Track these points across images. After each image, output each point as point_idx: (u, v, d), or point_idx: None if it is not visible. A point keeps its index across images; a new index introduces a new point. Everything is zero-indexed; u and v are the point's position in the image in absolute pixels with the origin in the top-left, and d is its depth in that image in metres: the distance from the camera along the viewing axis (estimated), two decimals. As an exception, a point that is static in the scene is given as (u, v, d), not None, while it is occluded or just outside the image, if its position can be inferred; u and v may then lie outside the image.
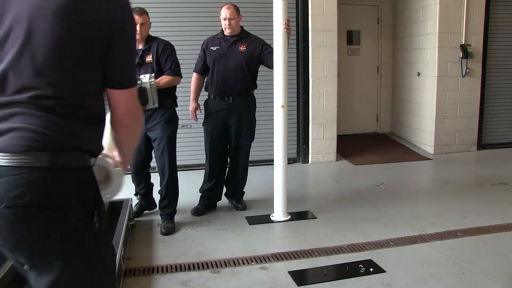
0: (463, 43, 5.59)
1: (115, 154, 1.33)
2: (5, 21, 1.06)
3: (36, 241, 1.07)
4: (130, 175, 3.42)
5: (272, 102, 3.42)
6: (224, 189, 3.76)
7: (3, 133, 1.04)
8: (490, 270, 2.56)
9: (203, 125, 3.61)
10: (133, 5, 1.24)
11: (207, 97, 3.58)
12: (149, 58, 3.11)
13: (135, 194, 3.51)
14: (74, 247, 1.10)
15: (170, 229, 3.20)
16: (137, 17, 2.95)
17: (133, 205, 3.45)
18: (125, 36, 1.16)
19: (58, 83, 1.07)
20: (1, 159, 1.02)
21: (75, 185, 1.10)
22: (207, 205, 3.64)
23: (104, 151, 1.28)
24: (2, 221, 1.04)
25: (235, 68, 3.42)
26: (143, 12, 3.06)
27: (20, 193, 1.02)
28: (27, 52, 1.05)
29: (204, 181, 3.66)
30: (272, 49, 3.36)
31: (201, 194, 3.67)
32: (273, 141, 3.46)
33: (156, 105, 2.98)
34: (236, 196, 3.73)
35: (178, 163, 4.97)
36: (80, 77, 1.11)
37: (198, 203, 3.65)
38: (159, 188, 3.33)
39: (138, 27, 2.97)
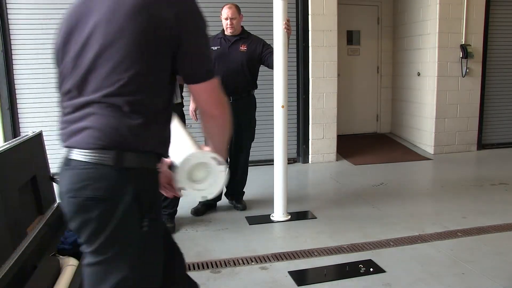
0: (463, 43, 5.59)
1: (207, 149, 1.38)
2: (85, 28, 1.18)
3: (90, 230, 1.17)
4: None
5: (272, 102, 3.42)
6: (224, 189, 3.75)
7: (79, 132, 1.17)
8: (490, 270, 2.56)
9: None
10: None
11: None
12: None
13: None
14: (120, 243, 1.18)
15: (170, 229, 3.20)
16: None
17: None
18: (195, 33, 1.21)
19: (128, 83, 1.14)
20: (75, 153, 1.18)
21: (134, 186, 1.16)
22: (207, 205, 3.64)
23: (197, 150, 1.33)
24: (67, 208, 1.21)
25: (236, 68, 3.41)
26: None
27: (83, 186, 1.14)
28: (104, 55, 1.15)
29: None
30: (272, 49, 3.36)
31: None
32: (273, 141, 3.46)
33: (179, 101, 3.03)
34: (236, 196, 3.73)
35: (178, 163, 5.01)
36: (148, 74, 1.17)
37: (197, 203, 3.64)
38: None
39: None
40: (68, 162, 1.22)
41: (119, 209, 1.14)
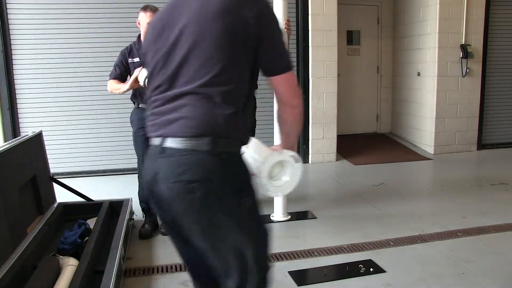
0: (463, 43, 5.59)
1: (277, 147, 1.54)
2: (175, 30, 1.33)
3: (195, 211, 1.28)
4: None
5: (272, 102, 3.41)
6: None
7: (174, 121, 1.29)
8: (490, 270, 2.56)
9: None
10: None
11: None
12: None
13: None
14: (225, 221, 1.31)
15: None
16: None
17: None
18: (272, 30, 1.35)
19: (219, 74, 1.28)
20: (172, 142, 1.28)
21: (228, 168, 1.30)
22: None
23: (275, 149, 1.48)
24: (167, 194, 1.28)
25: None
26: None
27: (183, 171, 1.26)
28: (195, 52, 1.29)
29: None
30: None
31: None
32: (273, 141, 3.45)
33: None
34: None
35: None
36: (234, 68, 1.31)
37: None
38: None
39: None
40: (162, 151, 1.30)
41: (219, 190, 1.28)
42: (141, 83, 2.88)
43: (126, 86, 2.98)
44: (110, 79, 3.08)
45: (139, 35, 3.12)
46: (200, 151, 1.26)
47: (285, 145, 1.52)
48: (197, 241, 1.35)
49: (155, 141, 1.34)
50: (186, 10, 1.33)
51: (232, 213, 1.32)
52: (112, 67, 3.10)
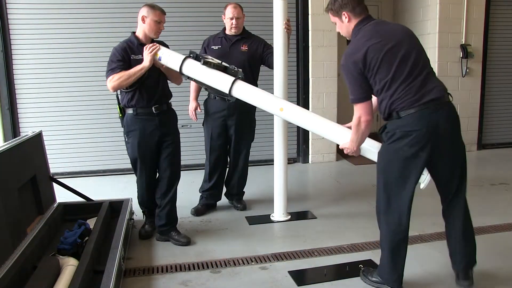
0: (463, 43, 5.59)
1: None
2: (401, 49, 2.15)
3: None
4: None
5: (272, 102, 3.41)
6: (224, 189, 3.75)
7: (433, 88, 2.15)
8: (490, 270, 2.56)
9: (203, 125, 3.60)
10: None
11: (206, 96, 3.57)
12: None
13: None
14: None
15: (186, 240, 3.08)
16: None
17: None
18: None
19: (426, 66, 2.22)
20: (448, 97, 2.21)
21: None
22: (207, 205, 3.64)
23: None
24: (449, 131, 2.20)
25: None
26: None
27: (457, 116, 2.23)
28: (415, 60, 2.16)
29: (204, 181, 3.65)
30: (273, 49, 3.35)
31: (201, 194, 3.67)
32: (273, 141, 3.46)
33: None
34: (236, 196, 3.73)
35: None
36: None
37: (198, 203, 3.64)
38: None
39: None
40: (444, 105, 2.16)
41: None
42: (163, 61, 2.84)
43: (146, 62, 2.75)
44: (114, 73, 2.77)
45: (134, 32, 2.97)
46: (450, 102, 2.21)
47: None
48: None
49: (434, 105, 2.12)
50: (399, 36, 2.22)
51: None
52: (111, 65, 2.82)
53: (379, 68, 2.13)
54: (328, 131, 2.74)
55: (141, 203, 3.20)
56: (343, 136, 2.60)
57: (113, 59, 2.82)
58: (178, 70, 2.89)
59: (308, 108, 5.26)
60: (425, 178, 2.31)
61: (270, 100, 2.91)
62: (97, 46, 4.68)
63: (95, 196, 3.45)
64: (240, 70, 2.94)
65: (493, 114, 6.12)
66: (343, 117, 6.01)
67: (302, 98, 5.26)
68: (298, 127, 5.32)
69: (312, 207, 3.73)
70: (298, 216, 3.54)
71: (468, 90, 5.74)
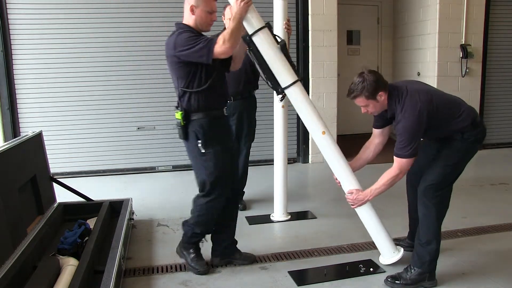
0: (463, 43, 5.59)
1: None
2: None
3: None
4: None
5: (272, 102, 3.41)
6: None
7: None
8: (490, 270, 2.56)
9: None
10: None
11: None
12: None
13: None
14: None
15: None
16: None
17: None
18: None
19: None
20: None
21: None
22: None
23: None
24: None
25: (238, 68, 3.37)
26: None
27: None
28: None
29: None
30: None
31: None
32: (273, 141, 3.46)
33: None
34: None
35: (178, 163, 5.04)
36: None
37: None
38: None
39: None
40: None
41: None
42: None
43: (243, 12, 2.33)
44: (213, 39, 2.29)
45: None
46: None
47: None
48: None
49: None
50: None
51: None
52: (198, 39, 2.31)
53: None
54: (342, 174, 2.72)
55: (208, 231, 2.67)
56: (351, 184, 2.68)
57: (191, 38, 2.31)
58: (250, 32, 2.43)
59: (308, 108, 5.26)
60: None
61: (315, 120, 2.64)
62: (97, 46, 4.68)
63: (95, 196, 3.45)
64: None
65: (493, 114, 6.12)
66: (343, 117, 6.02)
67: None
68: (298, 127, 5.33)
69: (312, 207, 3.73)
70: (298, 216, 3.54)
71: (468, 90, 5.74)
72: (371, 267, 2.62)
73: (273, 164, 3.49)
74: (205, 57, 2.27)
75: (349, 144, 6.12)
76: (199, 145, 2.41)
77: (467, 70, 5.64)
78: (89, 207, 3.24)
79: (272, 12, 3.28)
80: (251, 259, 2.71)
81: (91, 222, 2.95)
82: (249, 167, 3.74)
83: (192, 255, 2.59)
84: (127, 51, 4.75)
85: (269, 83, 2.63)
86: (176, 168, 4.95)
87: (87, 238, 2.66)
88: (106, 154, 4.86)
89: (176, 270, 2.62)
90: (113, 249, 2.43)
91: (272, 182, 3.50)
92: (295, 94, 2.59)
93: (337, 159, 2.67)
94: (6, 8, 4.46)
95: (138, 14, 4.74)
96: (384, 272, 2.56)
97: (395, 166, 2.42)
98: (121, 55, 4.75)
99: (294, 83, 2.55)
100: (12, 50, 4.53)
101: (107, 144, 4.85)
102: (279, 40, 2.55)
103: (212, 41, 2.27)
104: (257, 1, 4.78)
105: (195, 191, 3.74)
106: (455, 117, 2.44)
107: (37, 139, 3.08)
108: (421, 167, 2.56)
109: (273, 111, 3.40)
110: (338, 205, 3.81)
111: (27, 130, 4.06)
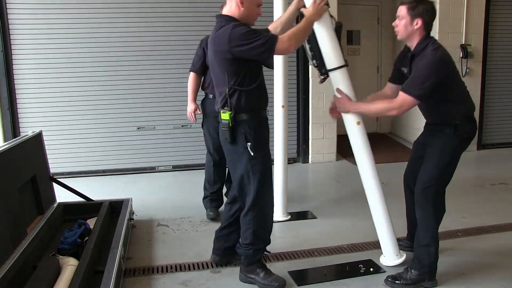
0: (463, 43, 5.59)
1: None
2: None
3: None
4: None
5: (272, 102, 3.41)
6: (225, 189, 3.72)
7: None
8: (490, 270, 2.56)
9: (202, 127, 3.49)
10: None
11: (203, 97, 3.45)
12: None
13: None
14: None
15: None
16: None
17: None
18: None
19: None
20: None
21: None
22: (217, 209, 3.50)
23: None
24: None
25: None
26: None
27: None
28: None
29: (209, 184, 3.49)
30: None
31: (208, 198, 3.50)
32: (273, 141, 3.45)
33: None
34: None
35: (178, 163, 5.04)
36: None
37: (208, 208, 3.49)
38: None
39: None
40: None
41: None
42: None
43: (316, 16, 2.32)
44: (277, 39, 2.19)
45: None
46: None
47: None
48: None
49: None
50: None
51: None
52: (260, 33, 2.19)
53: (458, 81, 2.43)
54: (367, 170, 2.77)
55: (269, 240, 2.54)
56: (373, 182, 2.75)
57: (248, 33, 2.17)
58: (307, 6, 2.37)
59: (308, 108, 5.26)
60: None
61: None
62: (97, 46, 4.68)
63: (95, 196, 3.45)
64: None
65: (493, 114, 6.11)
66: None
67: (302, 98, 5.25)
68: (298, 127, 5.33)
69: (312, 207, 3.73)
70: (298, 216, 3.54)
71: (468, 90, 5.73)
72: (371, 267, 2.62)
73: (273, 164, 3.48)
74: (266, 54, 2.18)
75: (349, 144, 6.13)
76: (248, 148, 2.28)
77: (467, 70, 5.64)
78: (89, 207, 3.24)
79: (272, 12, 3.28)
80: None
81: (91, 222, 2.95)
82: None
83: (262, 274, 2.42)
84: (127, 51, 4.75)
85: (314, 61, 2.56)
86: (176, 168, 4.95)
87: (87, 238, 2.66)
88: (106, 154, 4.86)
89: (176, 270, 2.62)
90: (113, 249, 2.42)
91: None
92: (339, 78, 2.59)
93: (366, 155, 2.72)
94: (6, 8, 4.46)
95: (138, 14, 4.73)
96: (384, 272, 2.56)
97: (396, 100, 2.36)
98: (121, 55, 4.75)
99: (340, 67, 2.55)
100: (12, 50, 4.53)
101: (107, 144, 4.84)
102: (333, 22, 2.48)
103: (273, 37, 2.18)
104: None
105: (195, 191, 3.75)
106: (457, 101, 2.42)
107: (37, 139, 3.08)
108: (415, 170, 2.58)
109: (273, 111, 3.40)
110: (338, 205, 3.81)
111: (27, 130, 4.06)
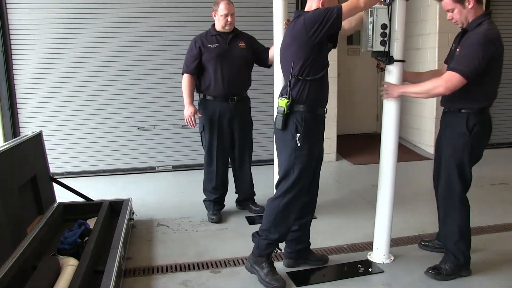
0: (463, 43, 5.58)
1: None
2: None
3: None
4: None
5: (272, 102, 3.41)
6: (235, 196, 3.65)
7: None
8: (490, 270, 2.56)
9: (201, 132, 3.41)
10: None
11: (200, 99, 3.39)
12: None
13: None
14: None
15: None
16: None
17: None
18: None
19: None
20: None
21: None
22: (220, 212, 3.51)
23: None
24: None
25: (240, 65, 3.29)
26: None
27: None
28: None
29: (212, 186, 3.44)
30: (263, 45, 3.36)
31: (211, 201, 3.47)
32: (273, 141, 3.44)
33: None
34: (251, 199, 3.64)
35: (178, 163, 5.04)
36: None
37: (211, 210, 3.46)
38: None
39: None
40: None
41: None
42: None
43: None
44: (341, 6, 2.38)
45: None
46: None
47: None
48: None
49: None
50: None
51: None
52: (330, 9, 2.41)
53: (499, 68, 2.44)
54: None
55: (284, 237, 2.54)
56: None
57: (319, 10, 2.48)
58: None
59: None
60: None
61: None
62: (97, 46, 4.68)
63: (95, 196, 3.45)
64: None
65: (493, 114, 6.03)
66: (343, 117, 6.02)
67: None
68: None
69: (312, 207, 3.72)
70: (298, 216, 3.53)
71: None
72: (370, 267, 2.62)
73: (273, 164, 3.48)
74: (335, 15, 2.33)
75: (349, 144, 6.15)
76: (297, 138, 2.35)
77: (467, 70, 5.63)
78: (89, 207, 3.24)
79: (272, 12, 3.28)
80: (325, 260, 2.70)
81: (91, 222, 2.95)
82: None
83: (266, 270, 2.43)
84: (127, 51, 4.75)
85: (385, 47, 2.56)
86: (176, 168, 4.95)
87: (87, 238, 2.66)
88: (106, 154, 4.86)
89: (176, 270, 2.63)
90: (113, 249, 2.43)
91: (272, 182, 3.49)
92: (396, 71, 2.61)
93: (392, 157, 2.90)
94: (6, 8, 4.46)
95: (138, 14, 4.73)
96: (383, 272, 2.56)
97: (444, 77, 2.34)
98: (121, 55, 4.75)
99: (402, 61, 2.59)
100: (12, 50, 4.53)
101: (107, 144, 4.85)
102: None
103: (338, 5, 2.32)
104: (257, 1, 4.84)
105: (195, 191, 3.75)
106: (484, 90, 2.49)
107: (37, 139, 3.08)
108: (437, 171, 2.76)
109: (273, 111, 3.40)
110: (338, 205, 3.81)
111: (27, 130, 4.06)
